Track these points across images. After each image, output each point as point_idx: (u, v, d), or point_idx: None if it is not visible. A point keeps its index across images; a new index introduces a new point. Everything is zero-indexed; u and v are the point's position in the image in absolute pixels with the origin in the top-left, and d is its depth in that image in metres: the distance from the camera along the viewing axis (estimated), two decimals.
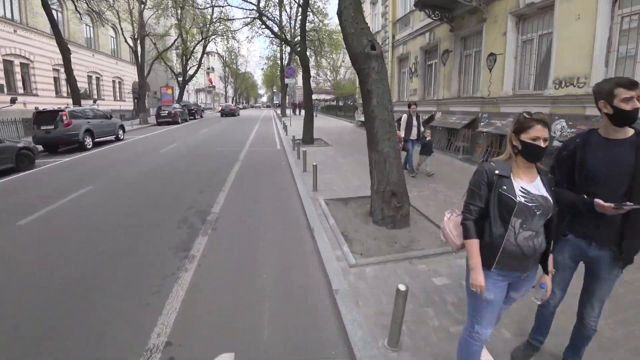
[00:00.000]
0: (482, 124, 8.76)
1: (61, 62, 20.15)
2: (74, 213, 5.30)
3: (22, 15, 16.76)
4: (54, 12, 19.51)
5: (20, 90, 16.95)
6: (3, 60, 15.80)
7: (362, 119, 17.72)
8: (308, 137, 11.83)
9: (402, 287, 2.08)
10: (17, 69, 16.74)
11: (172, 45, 25.85)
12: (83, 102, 21.81)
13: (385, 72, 4.31)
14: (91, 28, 23.31)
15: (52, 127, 11.11)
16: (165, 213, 5.16)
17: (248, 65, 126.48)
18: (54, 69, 19.03)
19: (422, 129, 7.17)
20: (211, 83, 62.36)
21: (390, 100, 4.33)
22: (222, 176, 7.58)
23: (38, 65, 17.86)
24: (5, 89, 15.90)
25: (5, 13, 16.00)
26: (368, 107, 4.27)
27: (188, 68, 29.82)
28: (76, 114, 11.89)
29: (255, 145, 12.40)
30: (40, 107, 13.47)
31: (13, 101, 16.54)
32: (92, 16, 19.14)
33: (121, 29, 22.20)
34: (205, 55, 56.97)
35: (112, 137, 14.24)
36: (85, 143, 11.89)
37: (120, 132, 14.74)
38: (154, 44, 25.70)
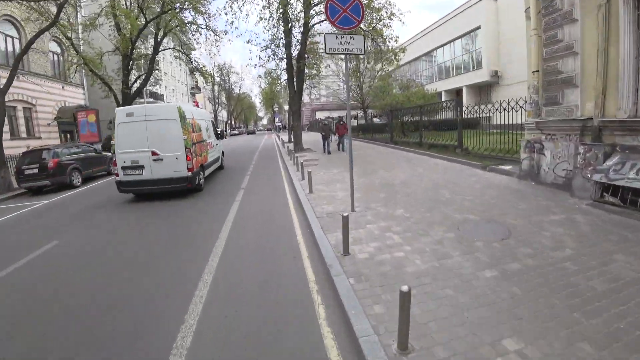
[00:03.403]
0: None
1: None
2: None
3: None
4: None
5: None
6: None
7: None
8: None
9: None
10: None
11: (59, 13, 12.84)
12: None
13: None
14: None
15: None
16: None
17: (243, 84, 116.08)
18: None
19: None
20: (197, 105, 50.32)
21: None
22: None
23: None
24: None
25: None
26: None
27: (133, 79, 17.36)
28: None
29: None
30: None
31: None
32: None
33: None
34: (191, 73, 45.33)
35: None
36: None
37: None
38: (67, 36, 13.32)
